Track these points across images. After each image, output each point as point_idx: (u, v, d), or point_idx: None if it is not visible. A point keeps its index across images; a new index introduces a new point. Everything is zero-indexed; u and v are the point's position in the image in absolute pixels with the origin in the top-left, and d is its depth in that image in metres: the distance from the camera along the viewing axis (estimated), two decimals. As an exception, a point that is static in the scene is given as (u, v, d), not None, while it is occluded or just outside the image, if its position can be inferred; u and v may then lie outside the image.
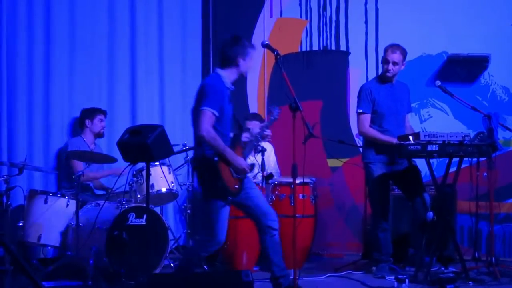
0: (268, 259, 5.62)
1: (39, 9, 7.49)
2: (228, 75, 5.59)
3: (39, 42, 7.49)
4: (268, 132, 6.03)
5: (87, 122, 7.46)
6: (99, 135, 7.52)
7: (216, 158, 5.39)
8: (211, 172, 5.42)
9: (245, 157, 5.64)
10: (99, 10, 7.92)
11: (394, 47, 6.75)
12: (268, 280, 6.40)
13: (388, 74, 6.75)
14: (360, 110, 6.79)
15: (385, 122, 6.78)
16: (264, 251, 5.64)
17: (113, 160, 6.91)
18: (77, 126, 7.59)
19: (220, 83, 5.52)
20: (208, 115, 5.37)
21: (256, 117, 7.77)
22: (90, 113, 7.48)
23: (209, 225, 5.51)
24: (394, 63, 6.71)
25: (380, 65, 7.53)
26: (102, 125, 7.50)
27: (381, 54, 7.01)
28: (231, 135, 5.63)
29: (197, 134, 5.40)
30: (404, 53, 6.75)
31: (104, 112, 7.55)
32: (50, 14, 7.55)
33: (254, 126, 7.59)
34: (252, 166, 5.60)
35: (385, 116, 6.77)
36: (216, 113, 5.40)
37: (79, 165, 7.19)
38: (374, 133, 6.73)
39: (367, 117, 6.77)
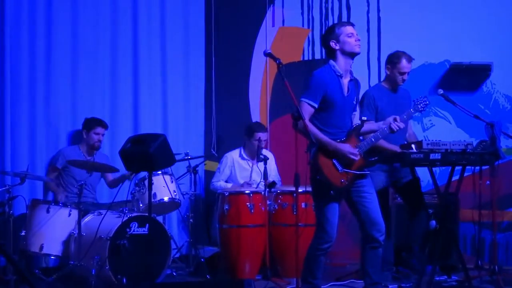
0: (363, 268, 5.57)
1: (41, 18, 7.50)
2: (337, 63, 5.46)
3: (41, 52, 7.49)
4: (400, 124, 5.62)
5: (84, 132, 7.43)
6: (93, 148, 7.43)
7: (312, 152, 5.35)
8: (311, 166, 5.38)
9: (360, 149, 5.47)
10: (102, 19, 7.93)
11: (408, 57, 6.69)
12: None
13: (401, 84, 6.74)
14: (365, 118, 6.74)
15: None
16: (361, 258, 5.59)
17: (114, 170, 6.91)
18: (79, 135, 7.56)
19: (325, 73, 5.42)
20: (304, 107, 5.33)
21: (260, 127, 7.74)
22: (89, 123, 7.43)
23: (319, 222, 5.42)
24: (407, 73, 6.72)
25: (382, 73, 7.50)
26: (97, 138, 7.39)
27: (383, 63, 6.97)
28: (354, 124, 5.55)
29: None
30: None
31: (104, 125, 7.47)
32: (52, 24, 7.57)
33: (262, 136, 7.58)
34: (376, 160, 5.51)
35: (388, 123, 6.73)
36: (314, 104, 5.35)
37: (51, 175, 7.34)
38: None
39: (370, 125, 6.74)
